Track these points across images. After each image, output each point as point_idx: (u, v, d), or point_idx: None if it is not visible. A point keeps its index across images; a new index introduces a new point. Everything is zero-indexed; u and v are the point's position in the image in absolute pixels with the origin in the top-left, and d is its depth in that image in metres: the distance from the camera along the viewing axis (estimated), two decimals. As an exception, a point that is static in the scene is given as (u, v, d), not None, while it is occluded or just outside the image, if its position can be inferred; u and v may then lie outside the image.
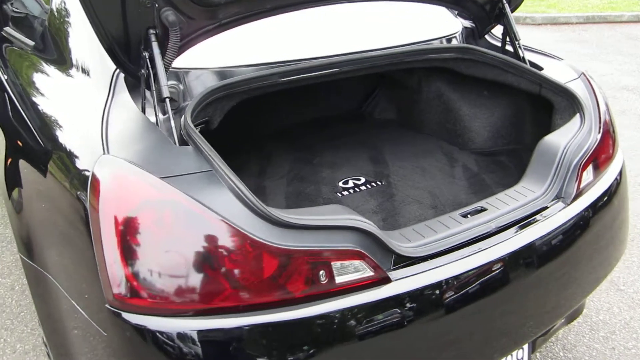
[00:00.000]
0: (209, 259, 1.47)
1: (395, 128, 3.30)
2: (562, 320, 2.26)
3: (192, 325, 1.47)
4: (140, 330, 1.47)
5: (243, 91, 2.08)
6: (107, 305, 1.51)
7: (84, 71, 2.04)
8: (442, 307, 1.70)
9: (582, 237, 2.13)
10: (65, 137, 1.84)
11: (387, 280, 1.64)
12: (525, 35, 9.69)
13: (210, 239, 1.49)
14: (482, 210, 1.96)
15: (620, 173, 2.40)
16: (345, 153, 2.94)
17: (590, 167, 2.18)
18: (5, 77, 2.45)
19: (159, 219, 1.49)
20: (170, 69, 2.07)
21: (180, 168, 1.59)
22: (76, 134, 1.81)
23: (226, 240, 1.49)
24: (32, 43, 2.49)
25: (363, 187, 2.59)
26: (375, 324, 1.61)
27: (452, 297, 1.71)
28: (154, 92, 1.78)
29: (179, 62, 2.06)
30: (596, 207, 2.18)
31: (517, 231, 1.91)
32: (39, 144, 1.92)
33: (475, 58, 2.66)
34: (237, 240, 1.49)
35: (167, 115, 1.86)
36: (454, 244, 1.78)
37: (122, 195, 1.51)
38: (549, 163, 2.12)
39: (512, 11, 2.72)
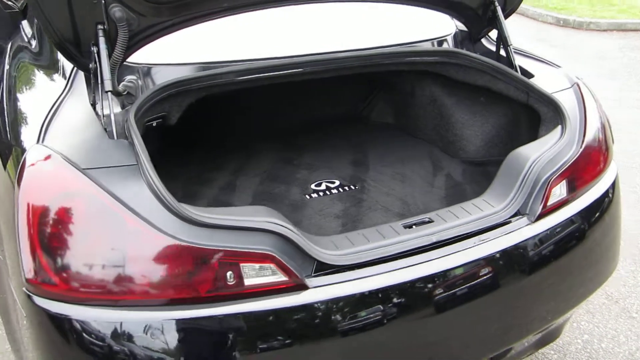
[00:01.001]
0: (116, 252, 1.49)
1: (390, 132, 3.21)
2: (522, 345, 2.12)
3: (96, 315, 1.49)
4: (49, 315, 1.51)
5: (200, 88, 2.09)
6: (23, 289, 1.56)
7: (60, 69, 2.12)
8: (363, 321, 1.63)
9: (549, 257, 1.98)
10: (24, 131, 1.92)
11: (303, 287, 1.60)
12: (585, 42, 9.24)
13: (119, 233, 1.50)
14: (429, 221, 1.87)
15: (610, 190, 2.21)
16: (329, 155, 2.89)
17: (563, 183, 2.03)
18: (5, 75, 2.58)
19: (72, 209, 1.52)
20: (130, 64, 2.12)
21: (108, 160, 1.62)
22: (31, 128, 1.88)
23: (135, 234, 1.50)
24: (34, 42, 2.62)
25: (334, 191, 2.53)
26: (288, 330, 1.57)
27: (376, 311, 1.64)
28: (99, 85, 1.82)
29: (139, 58, 2.10)
30: (571, 226, 2.03)
31: (464, 246, 1.80)
32: (6, 138, 2.01)
33: (462, 63, 2.54)
34: (145, 235, 1.50)
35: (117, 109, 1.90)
36: (386, 254, 1.70)
37: (40, 184, 1.56)
38: (513, 177, 1.99)
39: (508, 15, 2.58)
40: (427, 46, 2.60)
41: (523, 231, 1.92)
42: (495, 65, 2.45)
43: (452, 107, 2.85)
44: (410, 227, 1.84)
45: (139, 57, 2.08)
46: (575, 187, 2.07)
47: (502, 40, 2.50)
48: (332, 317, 1.60)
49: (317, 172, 2.71)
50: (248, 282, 1.55)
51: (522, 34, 9.01)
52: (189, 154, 2.90)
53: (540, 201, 1.96)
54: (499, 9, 2.45)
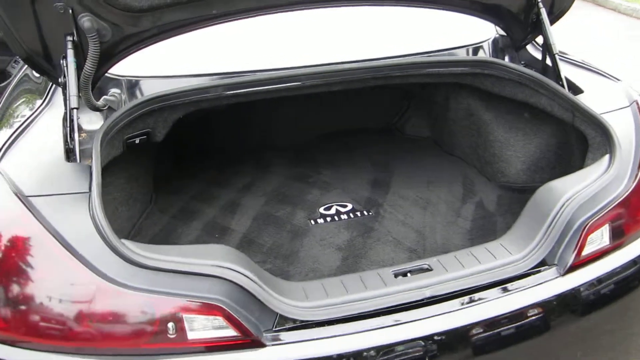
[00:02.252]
0: (46, 290, 1.33)
1: (424, 148, 2.88)
2: None
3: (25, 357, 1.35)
4: None
5: (186, 103, 1.90)
6: None
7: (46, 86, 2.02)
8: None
9: (582, 322, 1.62)
10: None
11: (259, 344, 1.36)
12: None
13: (50, 269, 1.35)
14: (427, 270, 1.56)
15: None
16: (349, 173, 2.62)
17: (605, 228, 1.64)
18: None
19: (3, 238, 1.38)
20: (114, 77, 1.98)
21: (59, 187, 1.49)
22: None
23: (65, 272, 1.34)
24: None
25: (344, 216, 2.26)
26: None
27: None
28: (67, 102, 1.68)
29: (123, 70, 1.95)
30: (614, 282, 1.65)
31: (466, 304, 1.49)
32: None
33: (497, 74, 2.18)
34: (76, 274, 1.33)
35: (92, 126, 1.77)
36: (364, 310, 1.43)
37: None
38: (541, 217, 1.64)
39: (557, 19, 2.19)
40: (457, 55, 2.26)
41: (548, 286, 1.57)
42: (536, 78, 2.07)
43: (490, 123, 2.48)
44: (404, 275, 1.55)
45: (123, 69, 1.93)
46: (622, 233, 1.68)
47: (547, 48, 2.11)
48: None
49: (330, 192, 2.45)
50: (192, 335, 1.34)
51: (611, 31, 8.15)
52: (201, 166, 2.74)
53: (573, 249, 1.59)
54: (543, 12, 2.07)
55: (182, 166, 2.73)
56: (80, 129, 1.68)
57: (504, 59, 2.38)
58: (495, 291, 1.52)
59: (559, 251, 1.61)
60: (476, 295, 1.51)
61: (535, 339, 1.55)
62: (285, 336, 1.39)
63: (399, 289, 1.48)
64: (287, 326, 1.40)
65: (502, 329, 1.49)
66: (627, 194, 1.68)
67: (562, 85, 2.04)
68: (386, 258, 1.97)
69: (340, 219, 2.25)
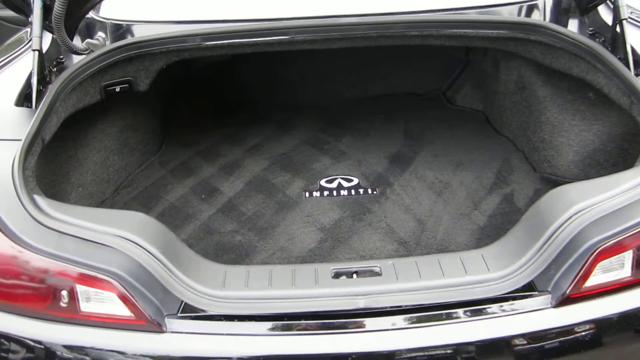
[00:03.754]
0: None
1: (472, 123, 2.48)
2: None
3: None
4: None
5: (165, 52, 1.75)
6: None
7: None
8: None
9: None
10: None
11: (157, 329, 1.22)
12: None
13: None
14: (375, 274, 1.30)
15: None
16: (373, 143, 2.32)
17: (628, 255, 1.25)
18: None
19: None
20: (101, 20, 1.87)
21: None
22: None
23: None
24: None
25: (343, 192, 2.01)
26: None
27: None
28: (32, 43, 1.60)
29: (111, 13, 1.83)
30: (622, 328, 1.27)
31: (408, 323, 1.22)
32: None
33: (546, 41, 1.75)
34: None
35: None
36: (281, 311, 1.22)
37: None
38: (540, 229, 1.28)
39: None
40: (493, 14, 1.84)
41: (529, 317, 1.24)
42: (594, 49, 1.62)
43: (544, 101, 2.04)
44: (348, 276, 1.30)
45: (110, 12, 1.82)
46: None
47: (615, 11, 1.63)
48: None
49: (341, 163, 2.19)
50: (85, 307, 1.23)
51: None
52: (223, 120, 2.61)
53: (574, 276, 1.24)
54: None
55: (202, 118, 2.62)
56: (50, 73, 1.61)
57: (566, 23, 1.91)
58: (450, 314, 1.22)
59: (555, 275, 1.25)
60: (424, 315, 1.22)
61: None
62: (187, 325, 1.23)
63: (330, 293, 1.24)
64: (192, 314, 1.24)
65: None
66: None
67: (625, 61, 1.58)
68: (368, 248, 1.71)
69: (338, 194, 2.00)
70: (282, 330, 1.21)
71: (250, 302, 1.24)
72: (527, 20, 1.76)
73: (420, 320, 1.22)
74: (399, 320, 1.22)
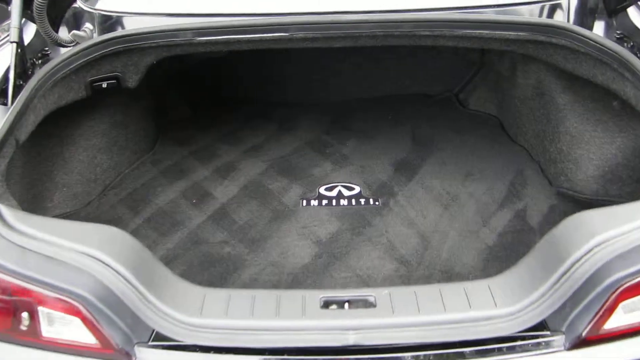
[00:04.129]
0: None
1: (485, 128, 2.33)
2: None
3: None
4: None
5: (154, 47, 1.62)
6: None
7: None
8: None
9: None
10: None
11: (125, 358, 1.11)
12: None
13: None
14: (368, 305, 1.17)
15: None
16: (378, 147, 2.19)
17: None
18: None
19: None
20: (90, 10, 1.74)
21: None
22: None
23: None
24: None
25: (343, 202, 1.88)
26: None
27: None
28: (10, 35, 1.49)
29: (100, 4, 1.71)
30: None
31: None
32: None
33: (569, 45, 1.59)
34: None
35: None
36: (264, 345, 1.10)
37: None
38: (556, 260, 1.14)
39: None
40: (513, 14, 1.68)
41: None
42: (622, 56, 1.47)
43: (564, 109, 1.89)
44: (339, 305, 1.18)
45: (100, 2, 1.69)
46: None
47: (648, 14, 1.48)
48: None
49: (344, 169, 2.06)
50: (47, 332, 1.11)
51: None
52: (222, 117, 2.48)
53: (592, 316, 1.10)
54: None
55: (200, 115, 2.50)
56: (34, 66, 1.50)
57: (592, 25, 1.75)
58: (451, 355, 1.09)
59: (570, 314, 1.11)
60: (422, 355, 1.09)
61: None
62: (158, 355, 1.11)
63: (317, 326, 1.11)
64: (165, 343, 1.12)
65: None
66: None
67: None
68: (365, 266, 1.58)
69: (337, 204, 1.87)
70: (264, 366, 1.09)
71: (229, 333, 1.11)
72: (549, 21, 1.61)
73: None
74: (387, 358, 1.09)
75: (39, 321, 1.11)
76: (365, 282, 1.52)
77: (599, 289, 1.09)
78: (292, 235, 1.72)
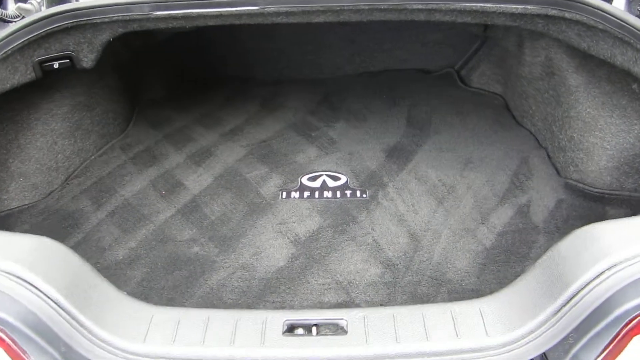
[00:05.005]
0: None
1: (489, 109, 2.12)
2: None
3: None
4: None
5: (107, 22, 1.43)
6: None
7: None
8: None
9: None
10: None
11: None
12: None
13: None
14: (339, 330, 1.01)
15: None
16: (369, 129, 2.00)
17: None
18: None
19: None
20: None
21: None
22: None
23: None
24: None
25: (327, 194, 1.70)
26: None
27: None
28: None
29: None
30: None
31: None
32: None
33: (585, 20, 1.38)
34: None
35: None
36: None
37: None
38: (560, 283, 0.97)
39: None
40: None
41: None
42: None
43: (576, 91, 1.68)
44: (306, 330, 1.02)
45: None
46: None
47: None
48: None
49: (329, 156, 1.88)
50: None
51: None
52: (202, 96, 2.29)
53: (601, 350, 0.93)
54: None
55: (176, 95, 2.30)
56: None
57: (611, -4, 1.53)
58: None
59: (574, 347, 0.95)
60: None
61: None
62: None
63: (277, 356, 0.96)
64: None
65: None
66: None
67: None
68: (347, 271, 1.42)
69: (321, 196, 1.69)
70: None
71: None
72: None
73: None
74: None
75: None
76: (346, 290, 1.36)
77: (609, 319, 0.93)
78: (268, 233, 1.55)
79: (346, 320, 1.02)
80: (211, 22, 1.43)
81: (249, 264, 1.45)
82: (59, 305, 0.95)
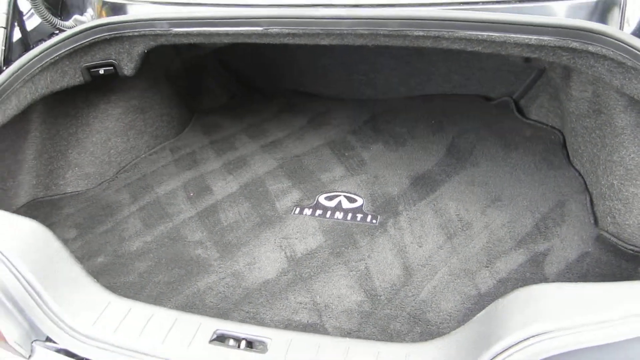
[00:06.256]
0: None
1: (542, 144, 1.96)
2: None
3: None
4: None
5: (141, 36, 1.58)
6: None
7: None
8: None
9: None
10: None
11: (21, 353, 1.10)
12: None
13: None
14: (260, 348, 1.02)
15: None
16: (402, 157, 1.95)
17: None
18: None
19: None
20: None
21: None
22: None
23: None
24: None
25: (338, 215, 1.70)
26: None
27: None
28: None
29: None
30: None
31: None
32: None
33: (613, 56, 1.24)
34: None
35: None
36: None
37: None
38: (487, 341, 0.90)
39: None
40: (544, 12, 1.34)
41: None
42: None
43: (622, 133, 1.50)
44: (235, 342, 1.05)
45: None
46: None
47: None
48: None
49: (354, 177, 1.87)
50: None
51: None
52: (257, 107, 2.41)
53: None
54: None
55: (238, 103, 2.44)
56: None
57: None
58: None
59: None
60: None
61: None
62: (48, 356, 1.09)
63: (194, 356, 1.00)
64: (57, 346, 1.09)
65: None
66: None
67: None
68: (327, 294, 1.41)
69: (331, 216, 1.70)
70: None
71: (112, 350, 1.05)
72: (577, 22, 1.25)
73: None
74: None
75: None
76: (319, 313, 1.36)
77: None
78: (269, 245, 1.60)
79: (271, 340, 1.03)
80: (225, 40, 1.52)
81: (239, 272, 1.51)
82: (27, 281, 1.09)
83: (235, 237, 1.64)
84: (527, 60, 1.74)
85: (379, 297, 1.40)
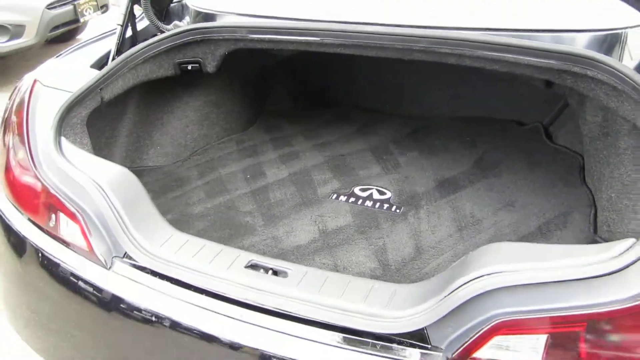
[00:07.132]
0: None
1: (563, 166, 2.15)
2: None
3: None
4: None
5: (223, 39, 1.96)
6: None
7: None
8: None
9: None
10: None
11: (102, 265, 1.45)
12: None
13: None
14: (282, 274, 1.32)
15: None
16: (433, 164, 2.20)
17: (540, 341, 1.05)
18: None
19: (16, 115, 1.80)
20: (190, 6, 2.16)
21: (63, 84, 1.77)
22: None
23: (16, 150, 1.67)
24: None
25: (368, 203, 1.98)
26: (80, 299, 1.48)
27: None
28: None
29: (197, 2, 2.12)
30: None
31: (277, 326, 1.23)
32: None
33: (607, 80, 1.46)
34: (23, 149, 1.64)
35: None
36: (185, 280, 1.34)
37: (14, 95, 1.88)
38: (450, 283, 1.15)
39: None
40: (548, 40, 1.59)
41: None
42: None
43: (623, 153, 1.70)
44: (265, 270, 1.36)
45: (197, 0, 2.11)
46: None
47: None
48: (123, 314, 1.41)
49: (388, 175, 2.15)
50: (63, 231, 1.52)
51: None
52: (311, 113, 2.76)
53: (465, 341, 1.10)
54: None
55: (297, 109, 2.80)
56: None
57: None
58: (325, 335, 1.19)
59: (452, 335, 1.12)
60: (299, 328, 1.21)
61: None
62: (125, 270, 1.42)
63: (229, 278, 1.31)
64: (132, 261, 1.44)
65: None
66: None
67: None
68: (347, 259, 1.69)
69: (362, 204, 1.98)
70: (181, 296, 1.33)
71: (173, 267, 1.38)
72: (575, 49, 1.48)
73: (286, 327, 1.22)
74: (270, 320, 1.24)
75: (59, 222, 1.53)
76: (337, 271, 1.64)
77: (481, 317, 1.08)
78: (305, 220, 1.90)
79: (291, 270, 1.33)
80: (290, 47, 1.87)
81: (278, 237, 1.82)
82: (117, 210, 1.45)
83: (279, 212, 1.96)
84: (549, 85, 1.97)
85: (389, 267, 1.66)
